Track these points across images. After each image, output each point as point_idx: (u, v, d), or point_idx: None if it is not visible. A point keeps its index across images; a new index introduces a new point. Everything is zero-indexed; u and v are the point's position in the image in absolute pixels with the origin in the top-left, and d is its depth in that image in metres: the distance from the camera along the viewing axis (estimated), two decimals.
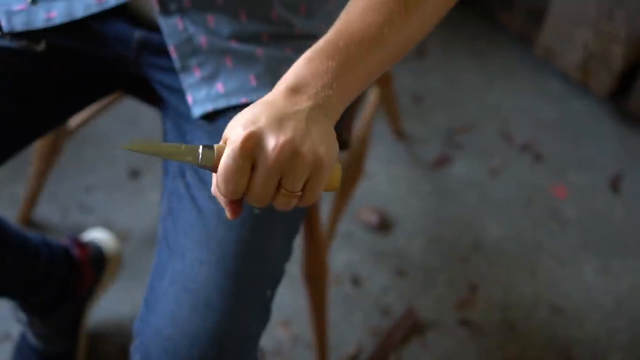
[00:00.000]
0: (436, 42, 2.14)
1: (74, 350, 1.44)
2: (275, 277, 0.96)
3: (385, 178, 1.83)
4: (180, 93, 1.01)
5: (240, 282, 0.90)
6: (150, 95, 1.12)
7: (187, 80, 0.98)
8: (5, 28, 0.99)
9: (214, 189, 0.74)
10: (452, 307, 1.62)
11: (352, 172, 1.45)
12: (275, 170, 0.70)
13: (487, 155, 1.90)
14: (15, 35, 0.99)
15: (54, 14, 0.99)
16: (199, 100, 0.98)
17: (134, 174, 1.77)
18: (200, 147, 0.72)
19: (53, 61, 1.02)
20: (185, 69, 0.98)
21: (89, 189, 1.73)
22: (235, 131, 0.70)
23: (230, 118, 0.96)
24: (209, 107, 0.97)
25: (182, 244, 0.93)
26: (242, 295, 0.90)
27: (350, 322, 1.58)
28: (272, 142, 0.69)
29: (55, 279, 1.32)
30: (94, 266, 1.43)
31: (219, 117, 0.98)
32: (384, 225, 1.74)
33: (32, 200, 1.62)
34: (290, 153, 0.70)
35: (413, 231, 1.73)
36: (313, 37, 1.01)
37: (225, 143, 0.72)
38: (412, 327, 1.58)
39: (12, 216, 1.63)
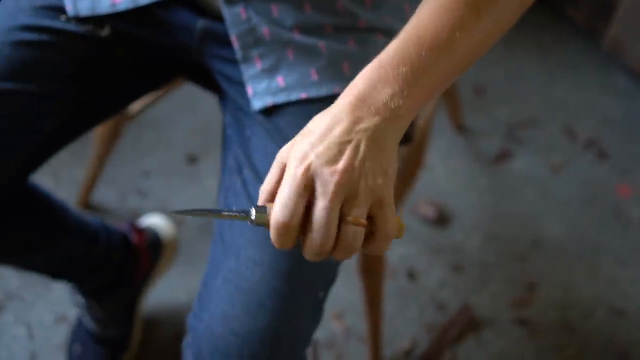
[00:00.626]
0: None
1: (129, 335, 1.44)
2: (329, 279, 0.95)
3: (444, 171, 1.81)
4: (240, 85, 0.99)
5: (294, 283, 0.89)
6: (212, 84, 1.11)
7: (248, 72, 0.97)
8: (71, 12, 0.99)
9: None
10: (508, 305, 1.59)
11: (412, 165, 1.43)
12: (336, 196, 0.67)
13: (549, 151, 1.86)
14: (81, 20, 0.99)
15: (119, 0, 0.99)
16: (259, 92, 0.96)
17: (192, 159, 1.77)
18: (253, 209, 0.71)
19: (117, 46, 1.02)
20: (247, 59, 0.96)
21: (147, 173, 1.74)
22: (292, 162, 0.69)
23: (290, 116, 0.95)
24: (268, 101, 0.96)
25: (236, 242, 0.92)
26: (295, 296, 0.90)
27: (404, 317, 1.56)
28: (330, 169, 0.68)
29: (113, 264, 1.33)
30: (150, 252, 1.43)
31: (277, 115, 0.96)
32: (442, 219, 1.71)
33: (91, 184, 1.63)
34: (350, 176, 0.68)
35: (471, 226, 1.71)
36: (377, 30, 0.99)
37: (284, 163, 0.71)
38: (467, 324, 1.56)
39: (70, 199, 1.65)
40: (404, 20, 1.00)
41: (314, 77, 0.96)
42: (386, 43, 0.98)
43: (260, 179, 0.94)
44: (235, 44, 0.96)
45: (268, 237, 0.90)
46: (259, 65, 0.96)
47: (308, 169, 0.68)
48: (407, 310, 1.57)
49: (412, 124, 1.20)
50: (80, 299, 1.36)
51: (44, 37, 0.97)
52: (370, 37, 0.98)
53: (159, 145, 1.79)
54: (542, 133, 1.90)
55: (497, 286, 1.62)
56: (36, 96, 0.96)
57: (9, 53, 0.95)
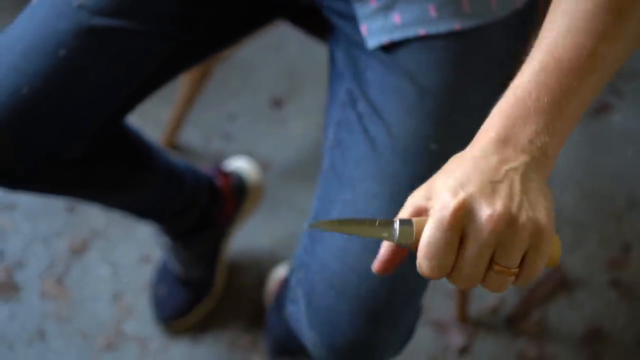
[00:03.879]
0: None
1: (212, 278, 1.44)
2: None
3: None
4: (354, 21, 0.95)
5: None
6: (316, 24, 1.07)
7: (362, 10, 0.92)
8: None
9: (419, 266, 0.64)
10: (602, 266, 1.53)
11: None
12: (489, 245, 0.59)
13: None
14: None
15: None
16: (374, 31, 0.92)
17: (277, 103, 1.73)
18: (397, 221, 0.63)
19: None
20: None
21: (232, 116, 1.71)
22: (442, 197, 0.60)
23: (408, 50, 0.91)
24: (384, 39, 0.92)
25: (352, 175, 0.88)
26: None
27: None
28: (486, 211, 0.59)
29: (199, 206, 1.31)
30: (235, 196, 1.41)
31: (395, 50, 0.92)
32: None
33: (177, 125, 1.61)
34: (508, 223, 0.59)
35: (565, 182, 1.64)
36: None
37: (422, 213, 0.63)
38: (558, 284, 1.50)
39: (156, 139, 1.63)
40: None
41: (433, 13, 0.91)
42: None
43: (377, 113, 0.90)
44: None
45: (387, 171, 0.87)
46: (374, 3, 0.92)
47: (460, 208, 0.60)
48: None
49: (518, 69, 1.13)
50: (166, 240, 1.35)
51: None
52: None
53: (245, 88, 1.75)
54: None
55: (591, 246, 1.55)
56: (137, 34, 0.93)
57: None
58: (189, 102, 1.55)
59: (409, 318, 0.89)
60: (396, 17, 0.92)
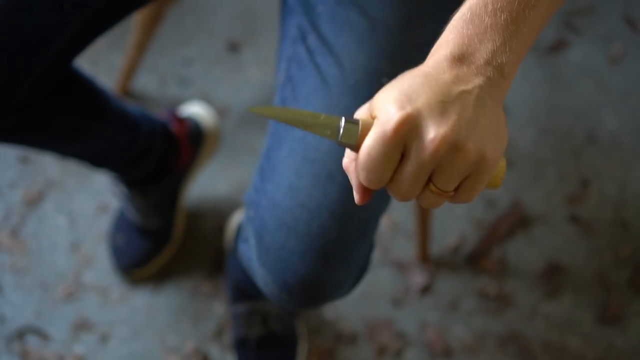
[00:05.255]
0: None
1: (171, 225, 1.42)
2: None
3: None
4: None
5: None
6: None
7: None
8: None
9: (346, 164, 0.62)
10: (561, 202, 1.54)
11: None
12: (429, 166, 0.57)
13: (608, 41, 1.76)
14: None
15: None
16: None
17: (234, 47, 1.70)
18: (343, 120, 0.60)
19: None
20: None
21: (188, 61, 1.68)
22: (387, 109, 0.57)
23: None
24: None
25: None
26: None
27: (452, 213, 1.52)
28: (431, 132, 0.56)
29: (155, 153, 1.29)
30: (192, 141, 1.39)
31: None
32: None
33: (131, 71, 1.58)
34: (451, 149, 0.57)
35: (523, 120, 1.64)
36: None
37: (372, 117, 0.60)
38: (518, 221, 1.51)
39: (110, 86, 1.60)
40: None
41: None
42: None
43: (328, 47, 0.88)
44: None
45: (337, 106, 0.85)
46: None
47: (404, 123, 0.57)
48: (455, 207, 1.52)
49: None
50: (122, 189, 1.33)
51: None
52: None
53: (200, 32, 1.72)
54: (600, 21, 1.79)
55: (549, 182, 1.56)
56: None
57: None
58: (142, 46, 1.51)
59: (361, 254, 0.88)
60: None
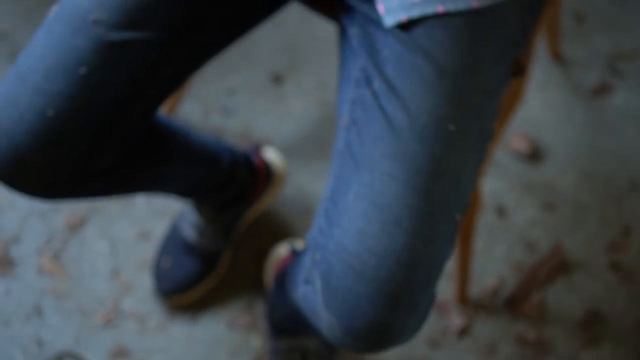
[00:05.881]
0: None
1: (220, 252, 1.44)
2: (463, 202, 0.91)
3: (539, 104, 1.72)
4: (370, 2, 0.95)
5: (432, 201, 0.86)
6: (330, 4, 1.06)
7: None
8: None
9: None
10: (602, 248, 1.53)
11: (512, 97, 1.36)
12: None
13: None
14: None
15: None
16: (392, 8, 0.91)
17: (277, 78, 1.71)
18: None
19: None
20: None
21: (232, 91, 1.69)
22: None
23: (427, 28, 0.90)
24: (402, 16, 0.91)
25: (369, 156, 0.88)
26: (434, 215, 0.86)
27: (492, 254, 1.51)
28: None
29: (236, 182, 1.35)
30: (266, 177, 1.44)
31: (413, 28, 0.91)
32: (535, 155, 1.64)
33: (176, 99, 1.59)
34: None
35: (565, 163, 1.63)
36: None
37: None
38: (557, 266, 1.50)
39: None
40: None
41: None
42: None
43: (393, 91, 0.89)
44: None
45: (405, 151, 0.87)
46: None
47: None
48: (494, 247, 1.52)
49: (528, 57, 1.12)
50: (194, 210, 1.37)
51: None
52: None
53: (245, 63, 1.73)
54: None
55: (590, 228, 1.55)
56: (152, 44, 0.95)
57: (124, 0, 0.93)
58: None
59: (426, 301, 0.89)
60: None
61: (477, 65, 0.91)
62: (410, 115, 0.88)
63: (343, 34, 1.01)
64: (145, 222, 1.50)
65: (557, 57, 1.79)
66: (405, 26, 0.92)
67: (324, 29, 1.75)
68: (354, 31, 0.97)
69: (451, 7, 0.90)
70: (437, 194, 0.87)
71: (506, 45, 0.96)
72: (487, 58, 0.93)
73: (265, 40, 1.77)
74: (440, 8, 0.90)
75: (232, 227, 1.43)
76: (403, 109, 0.88)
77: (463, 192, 0.91)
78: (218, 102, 1.67)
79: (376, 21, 0.94)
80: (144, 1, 0.94)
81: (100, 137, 0.95)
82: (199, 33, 0.98)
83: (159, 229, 1.48)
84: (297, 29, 1.77)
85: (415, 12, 0.90)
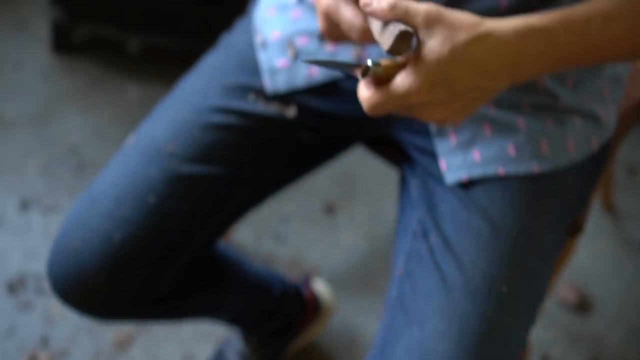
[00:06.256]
0: None
1: None
2: None
3: (589, 254, 1.72)
4: (432, 155, 0.97)
5: None
6: (391, 152, 1.09)
7: (442, 146, 0.94)
8: (270, 88, 0.98)
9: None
10: None
11: (565, 249, 1.36)
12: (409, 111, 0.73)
13: None
14: (269, 98, 0.99)
15: (315, 72, 0.97)
16: (454, 166, 0.93)
17: (330, 208, 1.74)
18: (369, 61, 0.70)
19: (301, 127, 1.01)
20: (441, 134, 0.94)
21: (285, 218, 1.72)
22: (415, 92, 0.69)
23: (486, 188, 0.92)
24: (463, 175, 0.93)
25: (421, 310, 0.88)
26: None
27: None
28: (435, 114, 0.72)
29: (284, 313, 1.35)
30: (315, 310, 1.44)
31: (473, 187, 0.93)
32: (583, 306, 1.63)
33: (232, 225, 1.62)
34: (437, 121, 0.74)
35: (613, 317, 1.62)
36: (575, 112, 0.95)
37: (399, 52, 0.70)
38: None
39: None
40: (603, 102, 0.96)
41: (512, 152, 0.92)
42: (584, 125, 0.94)
43: (449, 248, 0.90)
44: None
45: (457, 310, 0.87)
46: (453, 140, 0.93)
47: (419, 94, 0.70)
48: None
49: (584, 218, 1.14)
50: (238, 331, 1.37)
51: (232, 119, 0.98)
52: (568, 118, 0.95)
53: (299, 191, 1.77)
54: None
55: None
56: (220, 179, 0.98)
57: (200, 136, 0.97)
58: None
59: None
60: (475, 154, 0.93)
61: (534, 229, 0.93)
62: (465, 274, 0.89)
63: (403, 183, 1.03)
64: (191, 345, 1.51)
65: (609, 208, 1.80)
66: (465, 184, 0.94)
67: (379, 162, 1.79)
68: (414, 183, 1.00)
69: (512, 170, 0.92)
70: (487, 355, 0.87)
71: (564, 210, 0.97)
72: (544, 222, 0.94)
73: (321, 170, 1.80)
74: (501, 170, 0.92)
75: (277, 357, 1.44)
76: (458, 267, 0.89)
77: (513, 353, 0.91)
78: (271, 229, 1.70)
79: (436, 176, 0.97)
80: (217, 138, 0.98)
81: (162, 264, 0.97)
82: (266, 172, 1.02)
83: (204, 353, 1.49)
84: (354, 161, 1.81)
85: (476, 172, 0.93)
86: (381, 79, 0.70)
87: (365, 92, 0.71)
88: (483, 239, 0.90)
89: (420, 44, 0.70)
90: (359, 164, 1.81)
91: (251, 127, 0.98)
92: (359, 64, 0.70)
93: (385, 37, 0.71)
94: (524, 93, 0.93)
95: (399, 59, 0.71)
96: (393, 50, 0.69)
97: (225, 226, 1.03)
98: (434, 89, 0.69)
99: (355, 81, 0.98)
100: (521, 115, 0.93)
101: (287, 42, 0.99)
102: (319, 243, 1.69)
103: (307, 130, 1.01)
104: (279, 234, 1.69)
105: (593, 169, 1.01)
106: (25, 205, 1.70)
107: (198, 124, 0.97)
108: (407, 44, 0.69)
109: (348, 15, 0.78)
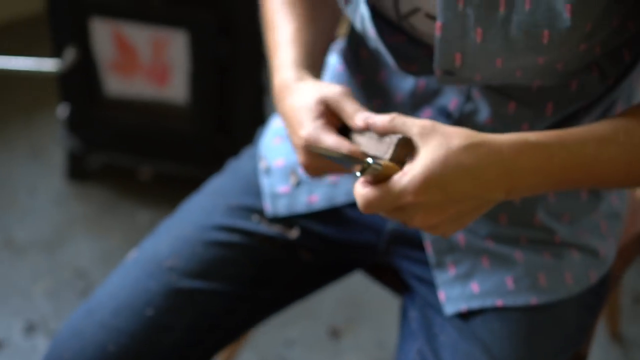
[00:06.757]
0: None
1: None
2: None
3: None
4: (430, 285, 0.98)
5: None
6: (391, 280, 1.10)
7: (441, 277, 0.95)
8: (270, 212, 1.01)
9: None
10: None
11: None
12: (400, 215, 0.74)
13: None
14: (272, 220, 1.01)
15: (315, 199, 1.00)
16: (452, 298, 0.94)
17: (335, 333, 1.74)
18: (370, 160, 0.72)
19: (303, 249, 1.03)
20: (440, 265, 0.95)
21: (290, 342, 1.72)
22: (412, 185, 0.71)
23: (485, 320, 0.92)
24: (462, 306, 0.94)
25: None
26: None
27: None
28: (428, 218, 0.72)
29: None
30: None
31: (471, 317, 0.93)
32: None
33: (235, 348, 1.61)
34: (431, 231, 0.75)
35: None
36: (573, 246, 0.96)
37: (398, 163, 0.73)
38: None
39: None
40: (600, 237, 0.98)
41: (510, 285, 0.93)
42: (582, 259, 0.95)
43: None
44: (429, 249, 0.95)
45: None
46: (452, 271, 0.95)
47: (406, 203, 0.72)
48: None
49: (587, 349, 1.13)
50: None
51: (235, 237, 1.00)
52: (566, 252, 0.96)
53: (304, 314, 1.77)
54: None
55: None
56: (219, 295, 0.99)
57: (202, 252, 0.98)
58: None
59: None
60: (474, 286, 0.94)
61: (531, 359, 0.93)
62: None
63: (403, 312, 1.04)
64: None
65: (616, 337, 1.79)
66: (464, 315, 0.94)
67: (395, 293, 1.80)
68: (413, 314, 1.00)
69: (510, 302, 0.93)
70: None
71: (563, 342, 0.97)
72: (542, 353, 0.94)
73: (327, 293, 1.81)
74: (499, 302, 0.93)
75: None
76: None
77: None
78: (275, 353, 1.69)
79: (435, 306, 0.97)
80: (219, 255, 0.99)
81: None
82: (265, 291, 1.02)
83: None
84: (359, 285, 1.81)
85: (475, 304, 0.94)
86: (378, 180, 0.72)
87: (361, 189, 0.73)
88: None
89: (416, 151, 0.73)
90: (364, 288, 1.82)
91: (253, 246, 1.00)
92: (361, 160, 0.72)
93: (384, 148, 0.74)
94: (521, 228, 0.95)
95: (397, 164, 0.74)
96: (394, 158, 0.72)
97: (222, 343, 1.02)
98: (428, 190, 0.70)
99: (355, 209, 1.01)
100: (519, 248, 0.95)
101: (290, 170, 1.02)
102: None
103: (309, 250, 1.03)
104: (283, 358, 1.68)
105: (593, 301, 1.01)
106: (30, 329, 1.71)
107: (201, 240, 0.99)
108: (406, 151, 0.72)
109: (332, 142, 0.79)
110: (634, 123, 0.78)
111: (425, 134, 0.72)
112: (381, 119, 0.75)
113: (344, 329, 1.75)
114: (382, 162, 0.72)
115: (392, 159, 0.73)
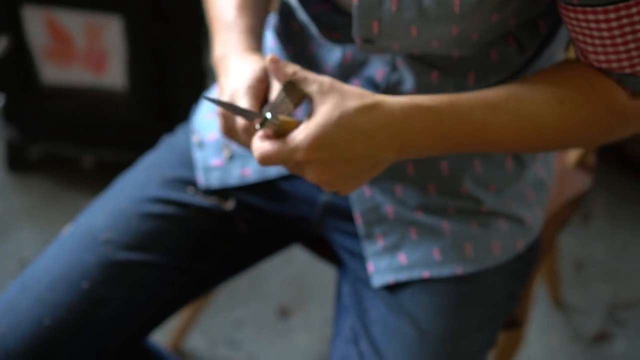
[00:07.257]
0: (602, 208, 2.07)
1: None
2: None
3: (540, 348, 1.74)
4: (361, 258, 0.99)
5: None
6: (328, 254, 1.11)
7: (370, 248, 0.96)
8: (202, 184, 1.01)
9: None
10: None
11: (511, 345, 1.38)
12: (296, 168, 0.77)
13: None
14: (208, 192, 1.02)
15: (249, 172, 1.01)
16: (381, 269, 0.96)
17: (284, 312, 1.76)
18: (269, 114, 0.75)
19: (239, 220, 1.03)
20: (369, 236, 0.96)
21: (239, 323, 1.72)
22: (306, 144, 0.74)
23: (412, 292, 0.94)
24: (390, 278, 0.95)
25: None
26: None
27: None
28: (320, 175, 0.75)
29: None
30: None
31: (399, 291, 0.95)
32: None
33: (184, 330, 1.62)
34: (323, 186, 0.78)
35: None
36: (500, 215, 0.98)
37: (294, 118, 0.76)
38: None
39: (163, 343, 1.64)
40: (527, 205, 1.00)
41: (437, 256, 0.95)
42: (509, 228, 0.97)
43: (378, 353, 0.92)
44: (359, 221, 0.96)
45: None
46: (381, 243, 0.96)
47: (305, 160, 0.75)
48: None
49: (525, 312, 1.16)
50: None
51: (170, 209, 1.00)
52: (493, 221, 0.98)
53: (253, 295, 1.78)
54: None
55: None
56: (156, 267, 0.99)
57: (137, 224, 0.98)
58: (199, 308, 1.57)
59: None
60: (402, 257, 0.96)
61: (461, 331, 0.95)
62: None
63: (338, 287, 1.06)
64: None
65: (558, 303, 1.83)
66: (393, 288, 0.96)
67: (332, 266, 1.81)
68: (345, 288, 1.02)
69: (436, 273, 0.95)
70: None
71: (492, 311, 0.99)
72: (471, 324, 0.96)
73: (274, 274, 1.82)
74: (425, 273, 0.95)
75: None
76: None
77: None
78: (225, 335, 1.70)
79: (365, 280, 0.99)
80: (154, 227, 0.99)
81: (91, 351, 0.96)
82: (203, 263, 1.03)
83: None
84: (306, 264, 1.83)
85: (403, 276, 0.95)
86: (277, 134, 0.76)
87: (258, 142, 0.75)
88: (410, 344, 0.92)
89: (313, 108, 0.75)
90: (312, 267, 1.83)
91: (189, 217, 1.00)
92: (259, 114, 0.75)
93: (286, 105, 0.78)
94: (449, 197, 0.97)
95: (296, 119, 0.76)
96: (283, 106, 0.76)
97: (161, 317, 1.02)
98: (320, 149, 0.73)
99: (290, 181, 1.02)
100: (447, 219, 0.96)
101: (224, 144, 1.03)
102: (274, 347, 1.69)
103: (245, 221, 1.04)
104: (233, 340, 1.69)
105: (522, 269, 1.03)
106: None
107: (136, 213, 0.99)
108: (297, 99, 0.76)
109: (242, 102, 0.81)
110: (527, 89, 0.80)
111: (324, 92, 0.74)
112: (285, 70, 0.77)
113: (293, 308, 1.77)
114: (280, 117, 0.75)
115: (281, 106, 0.76)
